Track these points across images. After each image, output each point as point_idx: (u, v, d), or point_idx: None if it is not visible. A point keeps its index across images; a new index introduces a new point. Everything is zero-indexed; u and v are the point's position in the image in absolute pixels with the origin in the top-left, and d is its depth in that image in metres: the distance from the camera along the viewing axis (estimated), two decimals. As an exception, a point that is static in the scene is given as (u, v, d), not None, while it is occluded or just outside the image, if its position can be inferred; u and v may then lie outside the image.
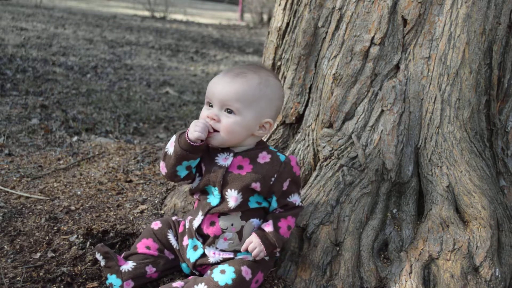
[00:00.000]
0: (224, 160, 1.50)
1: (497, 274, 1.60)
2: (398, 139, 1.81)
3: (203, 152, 1.50)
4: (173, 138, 1.48)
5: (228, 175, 1.48)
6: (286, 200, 1.53)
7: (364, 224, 1.75)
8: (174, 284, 1.48)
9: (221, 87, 1.45)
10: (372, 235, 1.73)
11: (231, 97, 1.43)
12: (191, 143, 1.41)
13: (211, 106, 1.47)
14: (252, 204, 1.51)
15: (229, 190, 1.47)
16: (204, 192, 1.54)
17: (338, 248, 1.68)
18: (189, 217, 1.59)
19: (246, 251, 1.51)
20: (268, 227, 1.50)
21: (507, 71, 1.87)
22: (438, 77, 1.80)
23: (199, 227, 1.52)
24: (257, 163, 1.50)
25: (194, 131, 1.41)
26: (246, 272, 1.46)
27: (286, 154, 1.57)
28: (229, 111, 1.44)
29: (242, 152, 1.51)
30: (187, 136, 1.42)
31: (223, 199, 1.48)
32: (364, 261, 1.67)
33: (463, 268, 1.59)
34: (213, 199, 1.51)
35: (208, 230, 1.51)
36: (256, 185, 1.47)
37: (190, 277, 1.51)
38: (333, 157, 1.84)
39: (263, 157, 1.51)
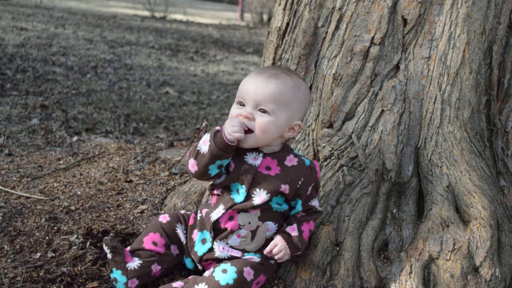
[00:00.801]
0: (253, 159, 1.52)
1: (497, 274, 1.60)
2: (398, 139, 1.81)
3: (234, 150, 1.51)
4: (207, 136, 1.47)
5: (257, 175, 1.49)
6: (309, 204, 1.57)
7: (364, 224, 1.75)
8: (174, 284, 1.48)
9: (257, 86, 1.46)
10: (372, 235, 1.73)
11: (267, 97, 1.44)
12: (229, 142, 1.41)
13: (243, 105, 1.48)
14: (274, 204, 1.52)
15: (257, 189, 1.49)
16: (227, 188, 1.54)
17: (338, 248, 1.68)
18: (205, 210, 1.59)
19: (255, 252, 1.52)
20: (294, 231, 1.53)
21: (507, 71, 1.87)
22: (438, 77, 1.80)
23: (217, 220, 1.52)
24: (284, 165, 1.52)
25: (233, 131, 1.41)
26: (248, 273, 1.46)
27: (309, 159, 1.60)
28: (263, 111, 1.45)
29: (271, 153, 1.53)
30: (225, 135, 1.42)
31: (248, 197, 1.50)
32: (364, 261, 1.67)
33: (463, 268, 1.59)
34: (238, 196, 1.51)
35: (226, 225, 1.52)
36: (285, 188, 1.49)
37: (190, 277, 1.51)
38: (333, 157, 1.84)
39: (290, 160, 1.54)
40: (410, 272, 1.62)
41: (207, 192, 1.95)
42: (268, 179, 1.49)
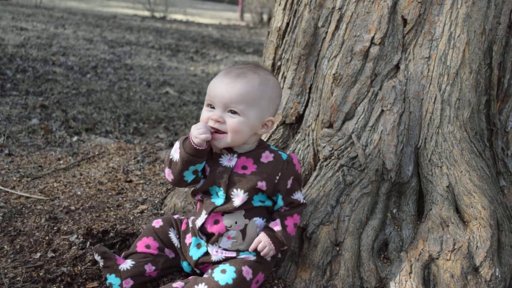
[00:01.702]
0: (228, 161, 1.52)
1: (497, 274, 1.60)
2: (398, 139, 1.81)
3: (208, 154, 1.50)
4: (177, 144, 1.48)
5: (233, 176, 1.49)
6: (291, 198, 1.56)
7: (364, 224, 1.75)
8: (174, 285, 1.48)
9: (223, 88, 1.45)
10: (372, 235, 1.73)
11: (234, 99, 1.44)
12: (197, 147, 1.42)
13: (213, 107, 1.48)
14: (256, 202, 1.52)
15: (235, 190, 1.49)
16: (206, 192, 1.55)
17: (338, 248, 1.68)
18: (192, 218, 1.60)
19: (248, 250, 1.52)
20: (276, 226, 1.52)
21: (507, 71, 1.87)
22: (438, 77, 1.80)
23: (203, 226, 1.53)
24: (260, 163, 1.52)
25: (198, 134, 1.41)
26: (247, 272, 1.47)
27: (287, 153, 1.59)
28: (233, 112, 1.45)
29: (246, 153, 1.53)
30: (192, 141, 1.42)
31: (228, 198, 1.50)
32: (364, 261, 1.67)
33: (463, 268, 1.59)
34: (217, 199, 1.52)
35: (212, 229, 1.52)
36: (262, 184, 1.48)
37: (190, 277, 1.51)
38: (333, 157, 1.84)
39: (266, 157, 1.53)
40: (410, 272, 1.62)
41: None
42: (244, 178, 1.49)
